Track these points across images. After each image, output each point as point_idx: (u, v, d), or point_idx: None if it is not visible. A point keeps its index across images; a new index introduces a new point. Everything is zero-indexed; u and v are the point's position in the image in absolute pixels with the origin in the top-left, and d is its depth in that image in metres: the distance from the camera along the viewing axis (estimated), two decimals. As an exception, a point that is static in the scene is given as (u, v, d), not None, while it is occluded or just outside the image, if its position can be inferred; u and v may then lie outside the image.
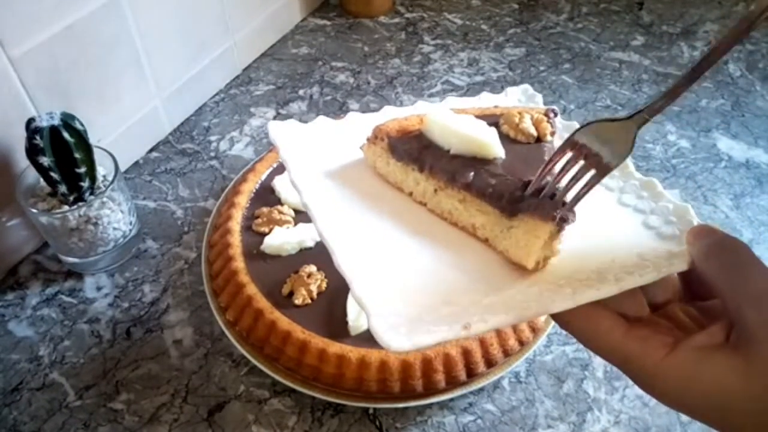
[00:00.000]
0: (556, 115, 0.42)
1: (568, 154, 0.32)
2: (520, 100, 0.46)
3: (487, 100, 0.46)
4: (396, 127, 0.39)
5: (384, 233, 0.35)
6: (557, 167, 0.33)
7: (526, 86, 0.47)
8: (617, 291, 0.27)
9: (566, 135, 0.42)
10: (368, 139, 0.40)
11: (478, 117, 0.40)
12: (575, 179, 0.32)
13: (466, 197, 0.35)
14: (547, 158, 0.35)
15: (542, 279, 0.31)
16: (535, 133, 0.39)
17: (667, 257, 0.30)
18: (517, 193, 0.33)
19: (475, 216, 0.35)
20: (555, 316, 0.29)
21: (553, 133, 0.40)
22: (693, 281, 0.31)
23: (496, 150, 0.36)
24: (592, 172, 0.32)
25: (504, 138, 0.39)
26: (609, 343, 0.28)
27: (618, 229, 0.35)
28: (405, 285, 0.31)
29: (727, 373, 0.25)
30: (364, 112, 0.45)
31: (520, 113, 0.40)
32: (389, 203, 0.38)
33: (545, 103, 0.44)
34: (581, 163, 0.32)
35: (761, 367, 0.24)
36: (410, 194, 0.38)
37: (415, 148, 0.37)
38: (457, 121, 0.37)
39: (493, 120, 0.40)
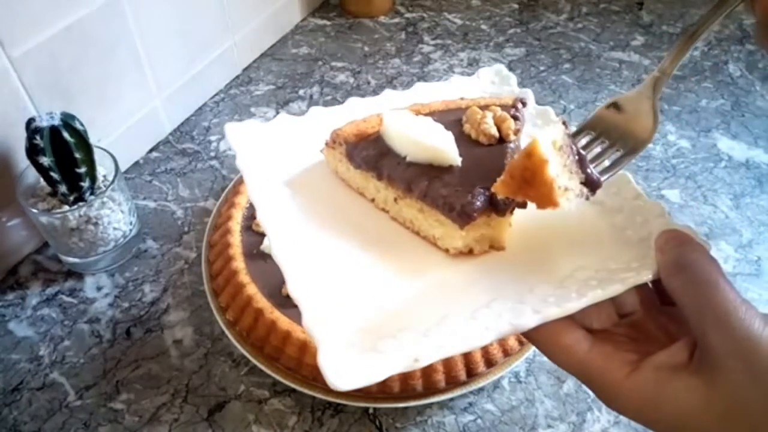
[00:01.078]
0: (524, 104, 0.40)
1: (587, 137, 0.31)
2: (493, 81, 0.44)
3: (457, 85, 0.44)
4: (354, 131, 0.37)
5: (342, 250, 0.33)
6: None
7: (500, 66, 0.45)
8: (579, 308, 0.27)
9: (539, 121, 0.41)
10: (327, 144, 0.38)
11: (443, 112, 0.38)
12: (601, 156, 0.30)
13: (423, 207, 0.34)
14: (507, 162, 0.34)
15: (503, 295, 0.30)
16: (497, 134, 0.37)
17: (634, 266, 0.29)
18: (469, 203, 0.32)
19: (434, 227, 0.34)
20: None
21: (516, 131, 0.38)
22: (663, 287, 0.30)
23: (452, 157, 0.35)
24: (619, 152, 0.30)
25: (465, 139, 0.37)
26: (571, 360, 0.27)
27: (586, 231, 0.33)
28: (360, 311, 0.29)
29: (688, 396, 0.24)
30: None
31: (483, 111, 0.38)
32: (351, 212, 0.36)
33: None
34: (605, 144, 0.30)
35: (722, 391, 0.24)
36: (372, 200, 0.37)
37: (372, 156, 0.36)
38: (413, 126, 0.36)
39: (457, 116, 0.38)
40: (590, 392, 0.48)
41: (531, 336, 0.29)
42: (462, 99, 0.42)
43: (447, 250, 0.34)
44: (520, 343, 0.49)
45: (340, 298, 0.30)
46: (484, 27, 0.93)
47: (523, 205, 0.33)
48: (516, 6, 0.98)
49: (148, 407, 0.48)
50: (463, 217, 0.32)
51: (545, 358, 0.51)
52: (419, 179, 0.34)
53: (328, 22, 0.94)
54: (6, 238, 0.56)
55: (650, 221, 0.32)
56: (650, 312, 0.29)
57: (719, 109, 0.78)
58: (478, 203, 0.32)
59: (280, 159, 0.38)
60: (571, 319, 0.28)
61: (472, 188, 0.33)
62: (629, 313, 0.29)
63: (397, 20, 0.95)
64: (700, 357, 0.25)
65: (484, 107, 0.39)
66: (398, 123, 0.36)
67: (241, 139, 0.37)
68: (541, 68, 0.85)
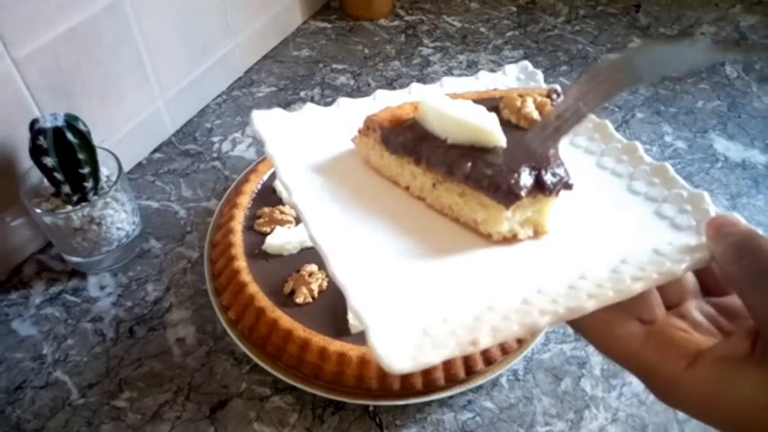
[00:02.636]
0: (559, 95, 0.39)
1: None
2: (519, 78, 0.43)
3: (485, 80, 0.43)
4: (388, 117, 0.36)
5: (381, 237, 0.32)
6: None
7: (526, 63, 0.44)
8: (635, 293, 0.26)
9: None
10: (360, 131, 0.37)
11: (477, 101, 0.37)
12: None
13: (465, 190, 0.33)
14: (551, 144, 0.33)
15: (554, 281, 0.29)
16: (539, 118, 0.36)
17: (684, 251, 0.28)
18: (516, 182, 0.31)
19: (476, 210, 0.32)
20: (569, 322, 0.28)
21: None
22: (708, 276, 0.29)
23: (498, 137, 0.33)
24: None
25: (505, 124, 0.35)
26: (626, 352, 0.26)
27: (629, 219, 0.32)
28: (406, 295, 0.28)
29: (754, 389, 0.23)
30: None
31: (522, 96, 0.37)
32: (385, 200, 0.35)
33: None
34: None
35: None
36: (407, 188, 0.35)
37: (410, 140, 0.34)
38: (454, 106, 0.34)
39: (492, 104, 0.37)
40: (588, 390, 0.49)
41: (583, 327, 0.28)
42: (495, 89, 0.41)
43: (489, 236, 0.32)
44: (519, 341, 0.49)
45: (383, 282, 0.28)
46: (482, 30, 0.94)
47: (569, 186, 0.32)
48: (514, 9, 0.99)
49: (151, 405, 0.48)
50: (509, 196, 0.31)
51: (544, 356, 0.52)
52: (462, 161, 0.33)
53: (329, 25, 0.95)
54: (10, 237, 0.57)
55: (696, 210, 0.31)
56: (696, 303, 0.28)
57: (716, 110, 0.79)
58: (526, 182, 0.31)
59: (308, 147, 0.36)
60: (621, 309, 0.26)
61: (518, 167, 0.31)
62: (675, 304, 0.28)
63: (396, 23, 0.96)
64: (764, 348, 0.24)
65: (521, 95, 0.38)
66: (439, 104, 0.34)
67: (269, 126, 0.36)
68: (539, 70, 0.86)
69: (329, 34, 0.93)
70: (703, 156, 0.72)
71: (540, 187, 0.32)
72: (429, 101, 0.35)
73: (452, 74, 0.85)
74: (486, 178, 0.32)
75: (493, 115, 0.34)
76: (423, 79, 0.83)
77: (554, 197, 0.32)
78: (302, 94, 0.81)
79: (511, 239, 0.33)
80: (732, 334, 0.26)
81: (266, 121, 0.36)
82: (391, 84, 0.83)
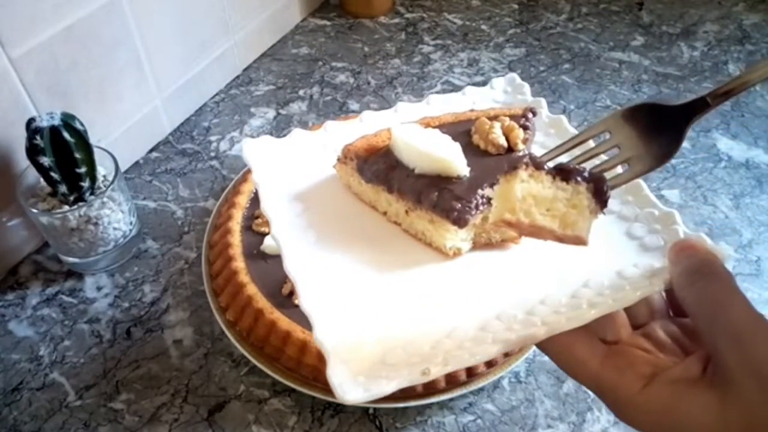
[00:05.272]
0: (534, 114, 0.40)
1: (593, 143, 0.31)
2: (506, 90, 0.44)
3: (471, 96, 0.44)
4: (364, 146, 0.38)
5: (351, 266, 0.34)
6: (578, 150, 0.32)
7: (513, 76, 0.45)
8: (588, 320, 0.27)
9: (552, 131, 0.42)
10: (338, 159, 0.39)
11: (453, 124, 0.39)
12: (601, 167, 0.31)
13: (434, 218, 0.35)
14: None
15: (513, 305, 0.30)
16: (505, 144, 0.37)
17: (647, 276, 0.29)
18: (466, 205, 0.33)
19: (445, 237, 0.34)
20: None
21: (525, 140, 0.38)
22: (675, 298, 0.30)
23: (459, 168, 0.35)
24: (619, 169, 0.30)
25: (474, 149, 0.37)
26: (584, 373, 0.27)
27: (600, 239, 0.33)
28: (369, 324, 0.30)
29: (701, 412, 0.24)
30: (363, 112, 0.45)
31: (491, 122, 0.39)
32: (364, 224, 0.37)
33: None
34: (604, 156, 0.31)
35: (737, 408, 0.23)
36: (385, 213, 0.38)
37: (382, 170, 0.37)
38: (421, 139, 0.36)
39: (466, 127, 0.39)
40: (590, 393, 0.49)
41: (544, 347, 0.28)
42: (472, 111, 0.42)
43: (455, 254, 0.34)
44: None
45: (352, 312, 0.30)
46: (484, 27, 0.93)
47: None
48: (516, 6, 0.98)
49: (148, 407, 0.48)
50: (461, 222, 0.33)
51: (545, 358, 0.51)
52: (429, 190, 0.35)
53: (328, 23, 0.94)
54: (6, 238, 0.56)
55: (665, 230, 0.32)
56: (662, 323, 0.29)
57: (719, 109, 0.78)
58: (477, 201, 0.33)
59: (294, 174, 0.38)
60: (585, 329, 0.27)
61: (474, 194, 0.34)
62: (642, 324, 0.29)
63: (397, 20, 0.95)
64: (713, 372, 0.25)
65: (493, 118, 0.40)
66: (406, 136, 0.36)
67: (258, 155, 0.38)
68: (541, 68, 0.85)
69: (328, 31, 0.92)
70: (706, 155, 0.71)
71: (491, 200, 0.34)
72: (398, 133, 0.37)
73: (453, 72, 0.84)
74: (454, 210, 0.33)
75: (457, 146, 0.36)
76: (423, 78, 0.83)
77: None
78: (301, 92, 0.80)
79: (486, 245, 0.35)
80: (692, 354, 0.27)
81: (256, 149, 0.39)
82: (391, 82, 0.82)
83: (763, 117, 0.77)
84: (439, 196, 0.34)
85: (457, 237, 0.34)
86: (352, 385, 0.25)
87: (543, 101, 0.43)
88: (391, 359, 0.27)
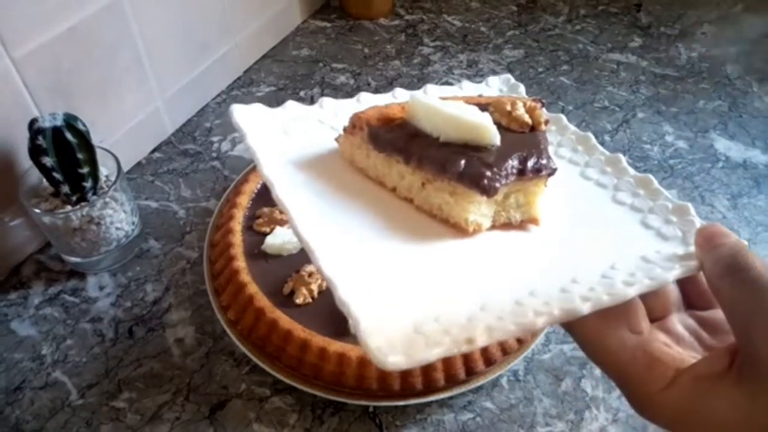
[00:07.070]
0: (543, 105, 0.39)
1: None
2: (501, 90, 0.43)
3: (468, 89, 0.43)
4: (377, 114, 0.35)
5: (369, 233, 0.31)
6: None
7: (508, 76, 0.44)
8: (629, 297, 0.26)
9: (553, 128, 0.41)
10: (345, 129, 0.36)
11: (466, 104, 0.36)
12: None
13: (457, 189, 0.32)
14: (543, 147, 0.33)
15: (545, 283, 0.29)
16: (529, 121, 0.36)
17: (672, 260, 0.28)
18: (496, 173, 0.31)
19: (467, 210, 0.32)
20: (564, 325, 0.28)
21: (547, 122, 0.37)
22: (691, 289, 0.29)
23: (493, 134, 0.33)
24: None
25: (496, 126, 0.35)
26: (613, 363, 0.27)
27: (615, 228, 0.33)
28: (396, 292, 0.27)
29: (729, 407, 0.23)
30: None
31: (511, 101, 0.37)
32: (371, 200, 0.34)
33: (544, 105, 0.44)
34: None
35: (766, 404, 0.22)
36: (393, 190, 0.35)
37: (399, 137, 0.34)
38: (446, 104, 0.34)
39: (480, 108, 0.36)
40: (588, 390, 0.49)
41: (577, 333, 0.28)
42: (480, 96, 0.41)
43: (474, 231, 0.32)
44: (519, 341, 0.49)
45: (372, 277, 0.28)
46: (483, 29, 0.94)
47: (553, 172, 0.33)
48: (515, 8, 0.99)
49: (150, 406, 0.48)
50: (491, 190, 0.31)
51: (544, 357, 0.51)
52: (455, 158, 0.32)
53: (329, 24, 0.94)
54: (9, 238, 0.56)
55: (681, 221, 0.31)
56: (680, 317, 0.29)
57: (717, 109, 0.78)
58: (507, 171, 0.32)
59: (289, 144, 0.36)
60: (615, 319, 0.27)
61: (507, 162, 0.32)
62: (659, 317, 0.28)
63: (397, 22, 0.95)
64: (741, 365, 0.24)
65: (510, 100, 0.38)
66: (430, 101, 0.34)
67: (249, 121, 0.35)
68: (540, 70, 0.86)
69: (329, 33, 0.92)
70: (704, 156, 0.72)
71: (521, 172, 0.32)
72: (420, 98, 0.34)
73: (453, 74, 0.85)
74: (483, 178, 0.31)
75: (487, 114, 0.34)
76: (423, 79, 0.83)
77: (542, 184, 0.33)
78: (302, 93, 0.81)
79: (505, 226, 0.33)
80: (712, 348, 0.26)
81: (246, 115, 0.36)
82: (391, 83, 0.82)
83: (761, 118, 0.77)
84: (467, 164, 0.32)
85: (479, 210, 0.32)
86: (391, 349, 0.23)
87: (543, 100, 0.42)
88: (425, 329, 0.25)
